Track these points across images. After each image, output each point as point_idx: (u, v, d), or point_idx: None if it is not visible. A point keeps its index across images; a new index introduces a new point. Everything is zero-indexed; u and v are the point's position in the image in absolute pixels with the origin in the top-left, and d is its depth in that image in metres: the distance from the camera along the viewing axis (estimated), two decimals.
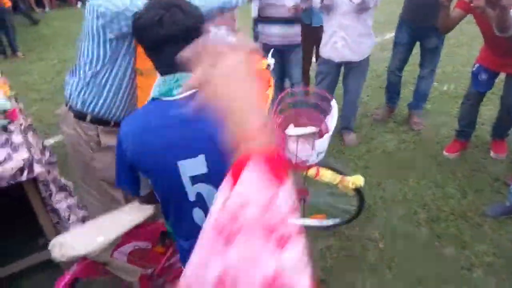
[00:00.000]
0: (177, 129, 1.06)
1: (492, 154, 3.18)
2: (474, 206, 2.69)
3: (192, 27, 1.06)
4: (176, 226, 1.25)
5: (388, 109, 3.86)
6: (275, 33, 3.28)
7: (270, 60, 2.32)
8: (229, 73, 0.57)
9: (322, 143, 2.02)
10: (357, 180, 2.19)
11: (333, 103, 2.16)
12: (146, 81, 1.71)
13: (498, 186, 2.85)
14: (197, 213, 1.17)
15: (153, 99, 1.11)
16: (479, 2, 2.29)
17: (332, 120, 2.08)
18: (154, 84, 1.12)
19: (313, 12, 3.46)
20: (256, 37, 3.88)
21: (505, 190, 2.74)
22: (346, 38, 3.05)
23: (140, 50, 1.54)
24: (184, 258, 1.27)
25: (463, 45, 5.54)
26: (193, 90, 0.93)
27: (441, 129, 3.62)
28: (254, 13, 3.80)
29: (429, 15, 3.00)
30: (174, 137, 1.06)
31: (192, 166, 1.09)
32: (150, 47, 1.10)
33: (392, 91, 3.76)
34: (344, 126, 3.48)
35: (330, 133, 2.04)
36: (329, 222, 2.52)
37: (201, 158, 1.08)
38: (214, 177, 1.10)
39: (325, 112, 2.13)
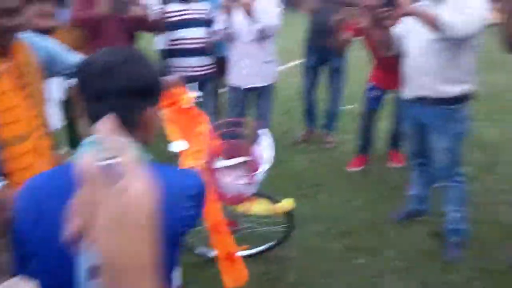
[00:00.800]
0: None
1: (390, 164, 3.44)
2: (379, 215, 2.86)
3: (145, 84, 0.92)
4: None
5: (308, 130, 4.06)
6: (193, 65, 3.28)
7: (196, 93, 2.23)
8: (111, 223, 0.44)
9: (259, 175, 2.02)
10: (288, 204, 2.23)
11: (262, 132, 2.18)
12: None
13: (398, 194, 3.07)
14: None
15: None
16: (367, 23, 2.53)
17: (266, 150, 2.09)
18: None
19: (217, 43, 3.54)
20: (166, 71, 3.85)
21: (404, 197, 2.96)
22: (251, 65, 3.17)
23: None
24: None
25: (364, 69, 6.04)
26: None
27: (345, 146, 3.85)
28: (160, 45, 3.77)
29: (331, 38, 3.26)
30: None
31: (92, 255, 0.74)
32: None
33: (310, 112, 3.98)
34: None
35: (267, 163, 2.03)
36: (258, 248, 2.51)
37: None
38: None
39: (255, 141, 2.15)
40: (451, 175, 2.37)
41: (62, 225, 0.62)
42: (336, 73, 3.65)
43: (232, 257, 1.94)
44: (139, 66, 0.92)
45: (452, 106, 2.23)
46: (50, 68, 1.63)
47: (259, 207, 2.17)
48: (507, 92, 4.90)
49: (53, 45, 1.65)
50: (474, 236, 2.59)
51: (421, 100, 2.28)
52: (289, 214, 2.33)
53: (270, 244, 2.50)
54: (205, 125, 1.94)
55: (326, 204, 3.02)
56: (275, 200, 2.26)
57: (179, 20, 3.14)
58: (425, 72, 2.21)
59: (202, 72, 3.33)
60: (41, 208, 0.87)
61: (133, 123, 0.90)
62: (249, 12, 2.89)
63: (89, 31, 2.94)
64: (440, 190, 2.57)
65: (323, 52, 3.53)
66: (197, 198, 0.96)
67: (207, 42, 3.22)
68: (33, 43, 1.56)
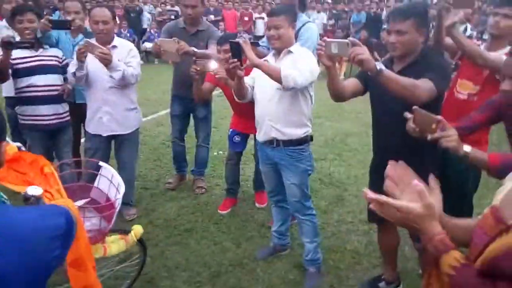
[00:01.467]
0: None
1: (256, 204, 3.65)
2: (247, 253, 2.98)
3: None
4: None
5: (179, 177, 4.03)
6: (45, 113, 3.08)
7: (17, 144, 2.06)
8: None
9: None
10: (138, 229, 2.18)
11: (103, 164, 2.12)
12: None
13: (264, 231, 3.25)
14: None
15: None
16: (222, 74, 2.73)
17: (115, 186, 2.01)
18: None
19: (76, 90, 3.40)
20: (12, 120, 3.53)
21: (270, 234, 3.14)
22: (112, 112, 3.10)
23: None
24: None
25: (227, 117, 6.39)
26: None
27: (215, 190, 3.96)
28: (7, 93, 3.48)
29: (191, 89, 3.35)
30: None
31: None
32: None
33: (179, 159, 3.99)
34: (123, 201, 3.38)
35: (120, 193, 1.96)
36: None
37: None
38: None
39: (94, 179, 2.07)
40: (302, 209, 2.63)
41: None
42: (202, 121, 3.80)
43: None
44: None
45: (297, 146, 2.52)
46: None
47: (114, 247, 2.07)
48: (350, 136, 5.71)
49: None
50: (330, 264, 2.88)
51: (272, 142, 2.54)
52: (141, 243, 2.32)
53: (127, 284, 2.46)
54: (48, 166, 1.83)
55: (196, 249, 3.02)
56: (124, 231, 2.20)
57: (28, 67, 2.97)
58: (272, 117, 2.49)
59: (55, 121, 3.16)
60: None
61: None
62: (105, 63, 2.86)
63: None
64: (297, 223, 2.81)
65: (187, 101, 3.62)
66: (64, 236, 0.93)
67: (61, 89, 3.10)
68: None
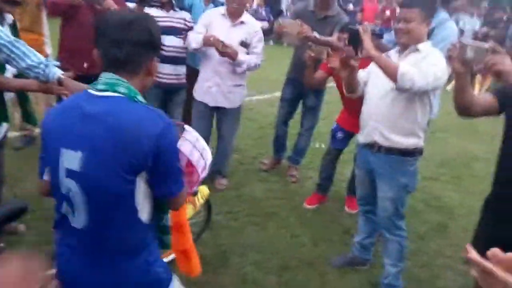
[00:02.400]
0: (75, 119, 1.14)
1: (346, 208, 3.41)
2: (322, 255, 2.80)
3: (153, 38, 1.20)
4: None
5: (275, 159, 4.00)
6: (165, 72, 3.28)
7: None
8: None
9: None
10: (204, 191, 2.22)
11: (188, 128, 2.15)
12: None
13: (347, 238, 3.02)
14: (65, 207, 1.18)
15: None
16: (335, 63, 2.54)
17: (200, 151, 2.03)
18: None
19: (196, 56, 3.54)
20: None
21: (351, 242, 2.91)
22: (220, 84, 3.15)
23: None
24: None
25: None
26: (108, 95, 1.15)
27: (306, 182, 3.82)
28: None
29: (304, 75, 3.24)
30: (69, 124, 1.14)
31: (69, 158, 1.13)
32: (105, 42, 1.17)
33: (279, 143, 3.94)
34: (215, 170, 3.48)
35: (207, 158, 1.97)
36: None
37: (78, 154, 1.12)
38: (82, 179, 1.13)
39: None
40: (391, 227, 2.34)
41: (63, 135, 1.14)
42: (310, 111, 3.66)
43: (188, 253, 1.92)
44: (150, 23, 1.20)
45: (402, 157, 2.23)
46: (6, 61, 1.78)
47: (189, 209, 2.11)
48: (476, 161, 4.98)
49: (10, 42, 1.77)
50: None
51: (373, 146, 2.28)
52: (207, 202, 2.35)
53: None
54: None
55: (273, 235, 2.96)
56: (191, 193, 2.15)
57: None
58: (379, 118, 2.22)
59: (175, 81, 3.33)
60: (54, 124, 1.18)
61: (140, 69, 1.20)
62: (232, 58, 3.04)
63: (63, 18, 2.98)
64: (382, 241, 2.53)
65: (300, 87, 3.51)
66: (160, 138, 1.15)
67: (182, 52, 3.25)
68: None
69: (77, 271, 1.20)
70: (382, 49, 2.46)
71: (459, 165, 4.79)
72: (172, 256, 2.38)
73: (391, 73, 2.02)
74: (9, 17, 2.34)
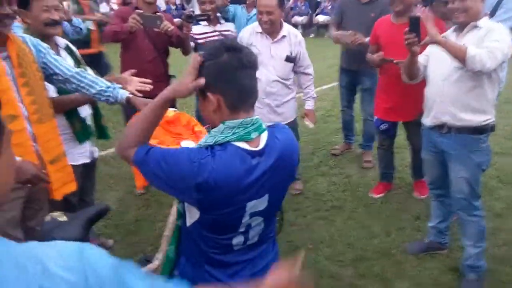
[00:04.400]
0: (256, 176, 1.14)
1: (414, 194, 3.34)
2: (396, 244, 2.78)
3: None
4: (195, 246, 1.25)
5: (345, 145, 4.19)
6: None
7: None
8: None
9: None
10: None
11: None
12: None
13: (419, 224, 2.97)
14: (237, 239, 1.23)
15: (226, 143, 1.12)
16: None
17: None
18: (223, 127, 1.13)
19: None
20: None
21: (425, 228, 2.86)
22: (271, 103, 3.00)
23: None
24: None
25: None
26: (265, 138, 1.18)
27: (369, 172, 3.79)
28: None
29: (361, 61, 3.32)
30: (250, 186, 1.14)
31: (256, 205, 1.19)
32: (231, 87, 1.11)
33: (346, 128, 4.14)
34: None
35: None
36: None
37: (266, 197, 1.19)
38: (268, 210, 1.23)
39: None
40: (468, 208, 2.28)
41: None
42: (368, 95, 3.66)
43: None
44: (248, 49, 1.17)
45: (473, 135, 2.17)
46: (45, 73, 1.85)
47: None
48: None
49: (51, 55, 1.87)
50: (496, 276, 2.46)
51: (442, 127, 2.24)
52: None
53: None
54: (198, 125, 2.06)
55: (342, 228, 2.98)
56: None
57: (208, 41, 3.25)
58: (446, 99, 2.18)
59: None
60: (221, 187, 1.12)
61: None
62: None
63: (123, 44, 3.14)
64: (459, 223, 2.47)
65: (353, 74, 3.68)
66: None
67: None
68: (27, 42, 1.78)
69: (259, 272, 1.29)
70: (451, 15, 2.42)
71: None
72: None
73: (460, 57, 2.01)
74: (61, 41, 2.21)
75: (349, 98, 3.96)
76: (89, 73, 1.98)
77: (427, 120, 2.33)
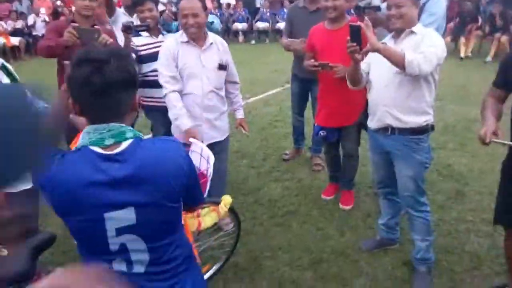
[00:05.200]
0: (107, 183, 1.10)
1: (340, 205, 3.37)
2: (351, 243, 2.87)
3: (132, 76, 1.14)
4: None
5: (295, 150, 4.24)
6: (161, 95, 3.01)
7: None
8: None
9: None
10: (227, 200, 2.24)
11: (193, 140, 2.23)
12: None
13: (370, 222, 3.10)
14: (118, 263, 1.19)
15: (82, 146, 1.13)
16: (341, 73, 2.65)
17: (206, 158, 2.10)
18: (83, 132, 1.16)
19: None
20: None
21: (376, 225, 2.98)
22: (211, 119, 2.76)
23: None
24: None
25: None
26: (126, 145, 1.13)
27: (319, 174, 3.89)
28: None
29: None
30: (104, 191, 1.10)
31: (118, 218, 1.12)
32: (87, 96, 1.11)
33: (297, 133, 4.19)
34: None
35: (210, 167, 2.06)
36: (218, 265, 2.55)
37: (129, 210, 1.12)
38: (142, 228, 1.15)
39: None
40: (415, 204, 2.42)
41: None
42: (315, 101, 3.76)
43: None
44: (124, 59, 1.14)
45: (415, 136, 2.30)
46: None
47: (208, 219, 2.15)
48: (477, 123, 5.05)
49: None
50: (444, 265, 2.62)
51: (386, 130, 2.36)
52: (232, 211, 2.39)
53: (227, 253, 2.59)
54: None
55: (299, 233, 3.02)
56: (214, 203, 2.23)
57: (150, 53, 3.13)
58: (389, 103, 2.29)
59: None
60: (70, 190, 1.10)
61: (128, 109, 1.17)
62: None
63: (59, 60, 2.97)
64: (408, 218, 2.60)
65: (304, 81, 3.71)
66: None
67: None
68: None
69: None
70: (381, 22, 2.57)
71: (460, 131, 4.89)
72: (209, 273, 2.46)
73: (398, 62, 2.11)
74: None
75: (301, 105, 4.00)
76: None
77: (372, 124, 2.44)
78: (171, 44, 2.67)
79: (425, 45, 2.13)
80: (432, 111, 2.35)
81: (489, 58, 8.78)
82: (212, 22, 4.06)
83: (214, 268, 2.53)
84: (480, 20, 9.81)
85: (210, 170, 2.06)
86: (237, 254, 2.72)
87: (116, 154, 1.12)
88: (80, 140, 1.15)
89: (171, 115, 2.65)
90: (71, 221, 1.16)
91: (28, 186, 2.12)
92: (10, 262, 1.25)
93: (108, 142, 1.12)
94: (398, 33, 2.28)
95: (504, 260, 2.47)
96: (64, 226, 1.16)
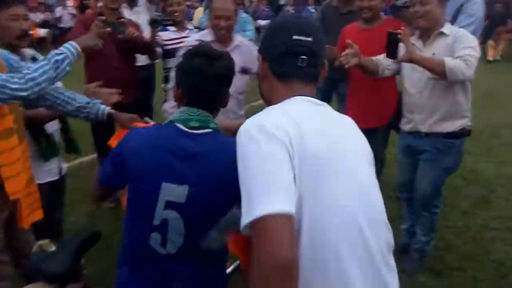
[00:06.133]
0: (177, 155, 1.19)
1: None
2: None
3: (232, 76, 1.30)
4: (126, 245, 1.30)
5: None
6: None
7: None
8: None
9: None
10: None
11: None
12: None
13: (393, 227, 3.04)
14: (154, 237, 1.21)
15: (170, 121, 1.26)
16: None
17: None
18: (179, 110, 1.29)
19: None
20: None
21: (398, 230, 2.93)
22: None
23: None
24: None
25: None
26: (206, 131, 1.23)
27: None
28: None
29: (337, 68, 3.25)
30: (171, 160, 1.19)
31: (172, 192, 1.18)
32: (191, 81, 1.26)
33: None
34: None
35: None
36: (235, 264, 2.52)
37: (185, 188, 1.17)
38: (187, 210, 1.18)
39: None
40: (428, 206, 2.43)
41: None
42: (343, 99, 3.68)
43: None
44: (230, 60, 1.30)
45: (448, 140, 2.27)
46: None
47: None
48: (504, 129, 4.93)
49: (53, 89, 1.76)
50: (467, 272, 2.56)
51: (420, 133, 2.32)
52: None
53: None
54: None
55: None
56: None
57: (175, 48, 3.10)
58: (423, 110, 2.26)
59: None
60: (143, 151, 1.23)
61: (221, 105, 1.31)
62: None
63: (86, 53, 2.99)
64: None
65: (329, 79, 3.57)
66: None
67: None
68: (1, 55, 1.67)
69: None
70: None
71: (488, 136, 4.76)
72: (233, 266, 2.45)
73: (439, 71, 2.05)
74: (28, 52, 2.10)
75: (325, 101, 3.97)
76: (67, 90, 1.85)
77: (406, 126, 2.40)
78: (194, 42, 2.47)
79: (461, 47, 2.08)
80: (469, 114, 2.30)
81: None
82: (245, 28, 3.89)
83: (235, 264, 2.52)
84: (510, 22, 9.53)
85: None
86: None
87: (196, 134, 1.22)
88: (172, 116, 1.28)
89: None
90: (132, 184, 1.26)
91: (54, 178, 2.17)
92: (57, 259, 1.27)
93: (193, 124, 1.23)
94: (425, 34, 2.23)
95: None
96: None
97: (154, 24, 3.05)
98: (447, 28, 2.19)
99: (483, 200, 3.39)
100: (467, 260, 2.67)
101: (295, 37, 1.04)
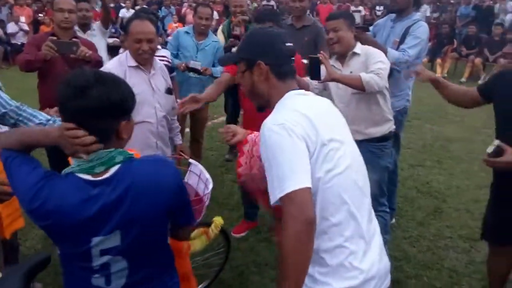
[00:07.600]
0: (96, 211, 1.11)
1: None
2: None
3: (114, 103, 1.11)
4: (68, 284, 1.26)
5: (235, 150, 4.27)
6: None
7: None
8: None
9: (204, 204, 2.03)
10: (218, 221, 2.21)
11: (192, 161, 2.20)
12: None
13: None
14: (97, 279, 1.19)
15: (71, 173, 1.14)
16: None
17: (204, 181, 2.08)
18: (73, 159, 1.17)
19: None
20: None
21: None
22: (163, 148, 2.69)
23: None
24: None
25: None
26: (115, 170, 1.14)
27: None
28: None
29: None
30: (94, 219, 1.11)
31: (104, 242, 1.14)
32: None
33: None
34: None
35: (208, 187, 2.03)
36: (206, 283, 2.55)
37: (116, 233, 1.14)
38: (125, 247, 1.16)
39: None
40: (376, 205, 2.59)
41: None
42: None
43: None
44: (108, 86, 1.11)
45: (379, 143, 2.54)
46: None
47: (197, 243, 2.11)
48: (454, 142, 5.26)
49: (17, 107, 1.82)
50: (425, 281, 2.71)
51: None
52: (223, 232, 2.40)
53: (215, 271, 2.60)
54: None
55: None
56: (205, 224, 2.20)
57: None
58: (352, 120, 2.40)
59: None
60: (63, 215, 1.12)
61: (111, 135, 1.15)
62: None
63: (39, 73, 2.96)
64: None
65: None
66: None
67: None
68: None
69: None
70: (370, 41, 2.70)
71: (438, 149, 5.07)
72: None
73: (357, 85, 2.33)
74: None
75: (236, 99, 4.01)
76: (29, 108, 1.88)
77: None
78: (114, 69, 2.29)
79: (372, 62, 2.36)
80: (392, 116, 2.59)
81: (463, 79, 9.13)
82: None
83: (201, 286, 2.52)
84: (455, 42, 10.23)
85: (208, 195, 2.01)
86: (224, 270, 2.72)
87: (105, 179, 1.13)
88: (71, 166, 1.16)
89: None
90: (61, 246, 1.20)
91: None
92: (5, 285, 1.24)
93: (99, 170, 1.13)
94: (341, 56, 2.53)
95: (480, 276, 2.59)
96: (44, 240, 1.17)
97: (113, 50, 3.06)
98: (358, 48, 2.49)
99: (436, 211, 3.59)
100: (423, 268, 2.82)
101: (287, 44, 1.40)
